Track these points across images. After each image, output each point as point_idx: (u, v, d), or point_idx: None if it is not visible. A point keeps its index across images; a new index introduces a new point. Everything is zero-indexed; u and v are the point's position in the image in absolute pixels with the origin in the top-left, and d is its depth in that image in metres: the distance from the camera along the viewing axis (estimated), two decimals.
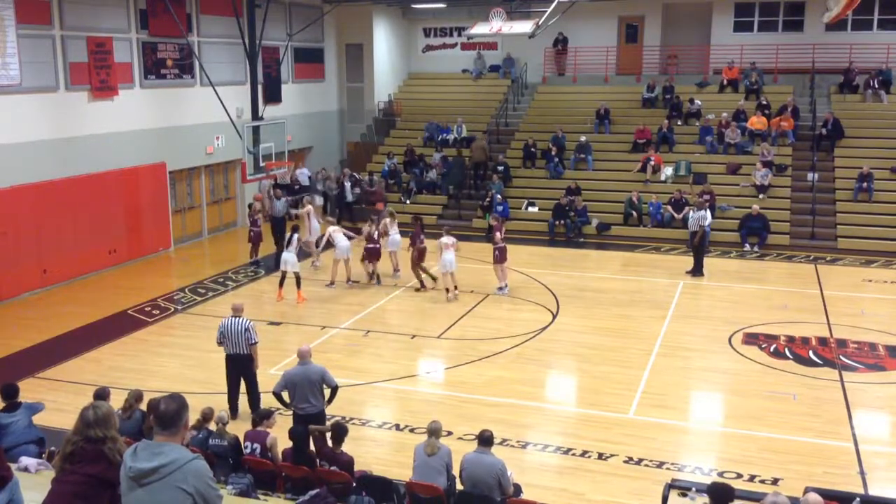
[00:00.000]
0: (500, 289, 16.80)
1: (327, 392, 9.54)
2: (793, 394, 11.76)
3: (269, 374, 12.62)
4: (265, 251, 19.83)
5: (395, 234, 17.93)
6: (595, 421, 10.94)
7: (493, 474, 7.47)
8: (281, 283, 16.50)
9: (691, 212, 18.97)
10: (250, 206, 20.60)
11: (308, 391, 9.29)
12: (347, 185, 24.32)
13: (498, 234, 16.89)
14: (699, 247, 18.18)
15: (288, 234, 17.01)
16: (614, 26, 28.41)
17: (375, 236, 17.33)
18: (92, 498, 4.55)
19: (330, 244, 17.57)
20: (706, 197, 20.86)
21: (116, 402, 8.57)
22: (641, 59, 28.20)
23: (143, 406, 8.53)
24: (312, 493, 7.18)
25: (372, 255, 17.35)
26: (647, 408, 11.33)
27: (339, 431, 8.25)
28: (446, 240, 16.42)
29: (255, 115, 21.45)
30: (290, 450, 8.23)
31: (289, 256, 16.35)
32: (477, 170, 25.02)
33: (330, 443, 8.28)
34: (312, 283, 17.47)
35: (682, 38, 27.79)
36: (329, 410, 9.67)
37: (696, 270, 18.18)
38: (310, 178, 25.30)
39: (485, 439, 7.71)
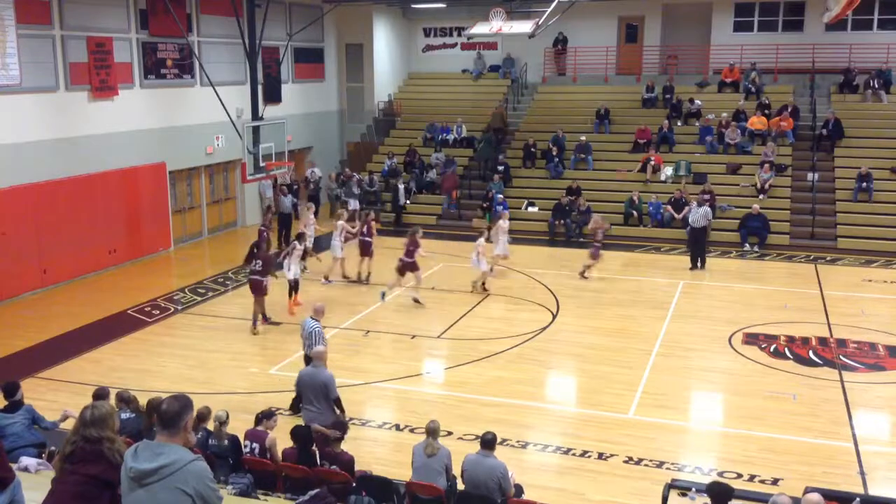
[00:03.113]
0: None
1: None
2: (793, 394, 11.76)
3: (268, 374, 12.67)
4: (269, 249, 19.80)
5: (504, 241, 17.94)
6: (595, 421, 10.94)
7: (494, 477, 7.45)
8: (290, 294, 15.78)
9: (696, 207, 19.20)
10: (269, 207, 20.66)
11: (312, 395, 9.19)
12: (401, 188, 24.04)
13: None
14: (704, 242, 18.50)
15: (293, 241, 16.33)
16: (614, 26, 28.42)
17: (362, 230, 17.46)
18: (92, 498, 4.54)
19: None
20: (706, 196, 20.93)
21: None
22: (641, 59, 28.20)
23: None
24: (312, 493, 7.18)
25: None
26: (647, 408, 11.33)
27: (339, 429, 8.25)
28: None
29: (255, 115, 21.46)
30: (290, 449, 8.23)
31: (287, 264, 15.71)
32: (497, 135, 25.79)
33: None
34: (312, 283, 17.44)
35: (682, 38, 27.79)
36: None
37: (700, 264, 18.57)
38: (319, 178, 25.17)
39: (486, 441, 7.67)
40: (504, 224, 18.05)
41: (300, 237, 16.33)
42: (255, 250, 14.85)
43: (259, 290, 14.53)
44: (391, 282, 16.49)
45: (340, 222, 17.69)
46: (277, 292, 15.93)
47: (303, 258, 16.84)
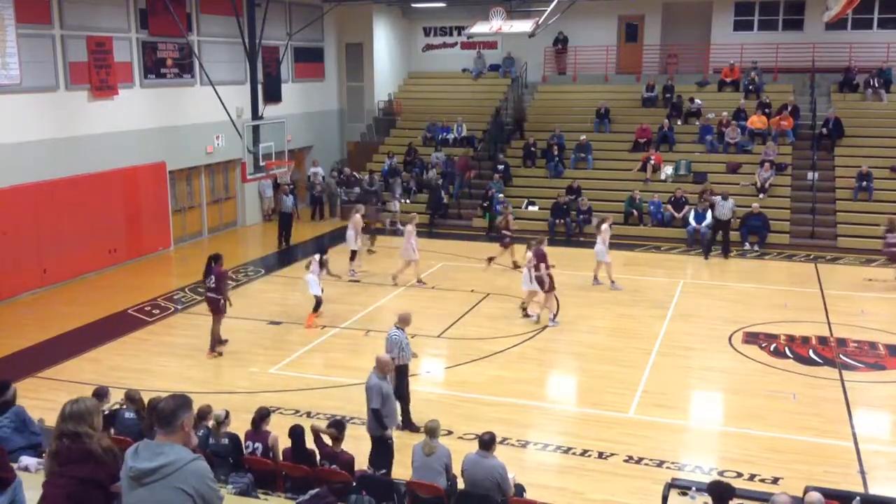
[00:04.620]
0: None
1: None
2: (793, 393, 11.76)
3: (268, 374, 12.67)
4: (269, 249, 19.80)
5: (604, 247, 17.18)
6: (595, 420, 10.94)
7: (492, 477, 7.44)
8: (315, 308, 15.04)
9: (721, 200, 19.90)
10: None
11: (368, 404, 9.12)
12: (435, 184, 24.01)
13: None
14: (728, 234, 19.98)
15: (324, 257, 15.22)
16: (614, 25, 28.42)
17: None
18: (85, 500, 4.50)
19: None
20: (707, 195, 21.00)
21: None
22: (641, 58, 28.19)
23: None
24: (312, 492, 7.18)
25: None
26: (647, 407, 11.33)
27: (338, 428, 8.25)
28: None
29: (255, 114, 21.44)
30: (290, 449, 8.23)
31: (310, 278, 14.91)
32: (518, 124, 26.58)
33: (329, 441, 8.28)
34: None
35: (682, 38, 27.78)
36: (327, 409, 9.61)
37: (725, 254, 19.86)
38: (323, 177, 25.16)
39: (484, 442, 7.66)
40: (606, 227, 17.17)
41: (323, 252, 15.46)
42: (213, 264, 13.47)
43: (215, 310, 13.50)
44: (542, 304, 15.24)
45: (409, 226, 17.30)
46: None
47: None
